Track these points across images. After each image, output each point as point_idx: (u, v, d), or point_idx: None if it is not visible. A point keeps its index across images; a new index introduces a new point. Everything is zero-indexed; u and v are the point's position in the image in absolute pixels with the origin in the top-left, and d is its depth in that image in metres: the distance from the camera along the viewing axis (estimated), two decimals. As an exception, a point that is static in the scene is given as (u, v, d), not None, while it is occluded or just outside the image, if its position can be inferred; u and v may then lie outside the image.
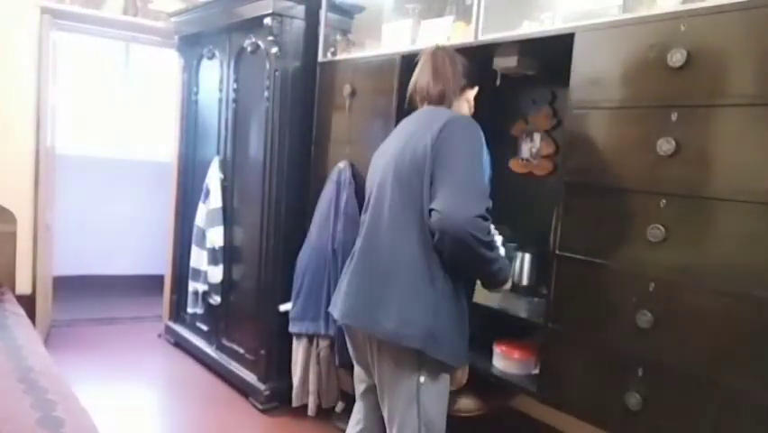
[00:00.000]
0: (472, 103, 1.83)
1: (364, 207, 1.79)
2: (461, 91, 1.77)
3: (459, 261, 1.56)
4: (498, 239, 1.66)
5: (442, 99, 1.73)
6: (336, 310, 1.74)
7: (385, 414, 1.70)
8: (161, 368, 3.49)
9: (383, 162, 1.73)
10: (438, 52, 1.76)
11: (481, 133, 1.62)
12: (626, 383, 1.57)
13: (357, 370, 1.86)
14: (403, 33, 2.40)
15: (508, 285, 1.74)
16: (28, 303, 3.22)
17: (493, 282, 1.68)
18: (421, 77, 1.76)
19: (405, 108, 2.27)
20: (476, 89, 1.83)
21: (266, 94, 2.85)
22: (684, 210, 1.47)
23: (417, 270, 1.57)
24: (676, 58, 1.47)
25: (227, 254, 3.27)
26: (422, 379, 1.60)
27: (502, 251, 1.68)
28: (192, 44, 3.60)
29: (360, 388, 1.87)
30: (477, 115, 2.59)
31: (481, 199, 1.51)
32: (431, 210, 1.52)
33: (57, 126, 3.83)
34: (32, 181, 3.44)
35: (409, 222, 1.59)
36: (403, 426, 1.62)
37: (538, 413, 2.41)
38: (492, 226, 1.57)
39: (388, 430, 1.70)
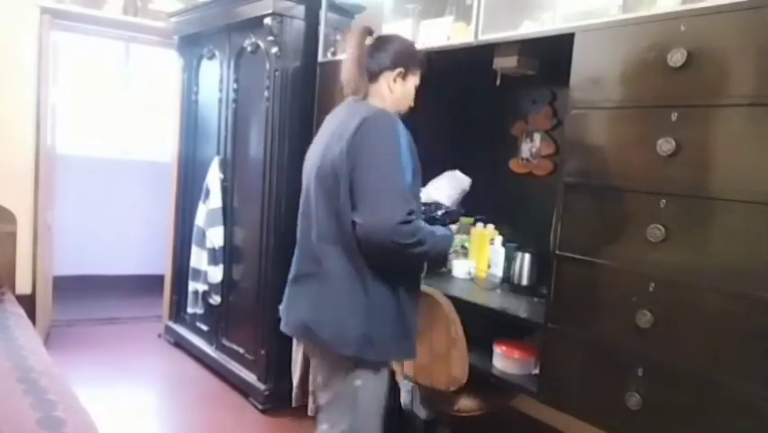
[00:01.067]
0: (404, 90, 1.70)
1: (300, 210, 1.75)
2: (376, 76, 1.66)
3: (390, 263, 1.56)
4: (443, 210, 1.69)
5: (355, 87, 1.67)
6: (282, 323, 1.74)
7: (322, 411, 1.72)
8: (161, 368, 3.49)
9: (309, 166, 1.69)
10: (349, 36, 1.70)
11: (399, 127, 1.56)
12: (626, 383, 1.57)
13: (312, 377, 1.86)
14: (403, 33, 2.40)
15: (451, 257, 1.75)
16: (28, 303, 3.22)
17: (431, 267, 1.68)
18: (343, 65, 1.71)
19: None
20: (399, 72, 1.67)
21: (266, 94, 2.85)
22: (684, 210, 1.47)
23: (348, 280, 1.56)
24: (676, 58, 1.47)
25: (227, 254, 3.27)
26: (357, 382, 1.60)
27: (441, 231, 1.65)
28: (192, 44, 3.60)
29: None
30: (477, 115, 2.60)
31: (401, 204, 1.48)
32: (353, 222, 1.51)
33: (57, 126, 3.83)
34: (32, 181, 3.44)
35: (335, 232, 1.57)
36: (337, 423, 1.64)
37: (538, 413, 2.41)
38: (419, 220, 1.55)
39: (320, 425, 1.72)
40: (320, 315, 1.59)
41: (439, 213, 1.74)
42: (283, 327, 1.73)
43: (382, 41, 1.68)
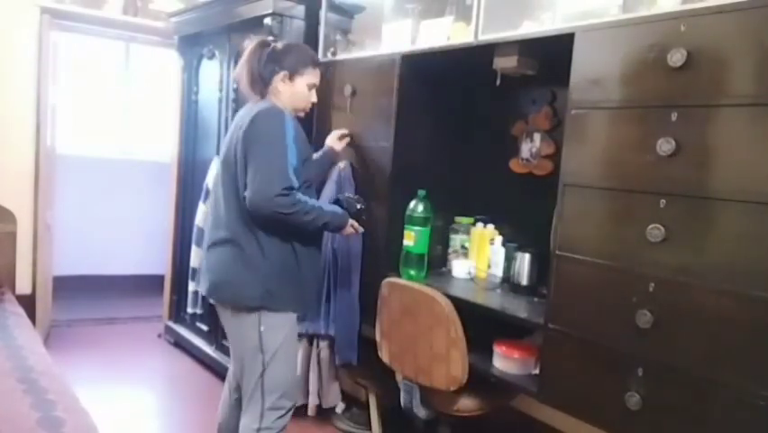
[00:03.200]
0: (292, 90, 1.98)
1: (211, 195, 2.08)
2: (269, 80, 1.95)
3: (281, 227, 1.85)
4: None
5: (251, 92, 1.97)
6: (203, 288, 2.02)
7: (234, 359, 2.01)
8: (161, 368, 3.49)
9: (221, 155, 1.99)
10: (245, 50, 1.97)
11: (286, 118, 1.85)
12: (626, 383, 1.57)
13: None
14: (403, 33, 2.40)
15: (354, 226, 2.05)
16: (28, 303, 3.22)
17: (327, 229, 2.01)
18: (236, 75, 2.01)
19: (402, 107, 2.27)
20: (284, 74, 1.96)
21: (266, 94, 2.85)
22: (684, 210, 1.47)
23: (248, 245, 1.86)
24: (676, 58, 1.47)
25: (227, 254, 3.27)
26: (262, 328, 1.89)
27: (330, 207, 1.98)
28: (192, 44, 3.60)
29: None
30: (477, 115, 2.60)
31: (279, 180, 1.77)
32: (244, 196, 1.82)
33: (57, 126, 3.83)
34: (32, 181, 3.44)
35: (234, 206, 1.88)
36: (250, 367, 1.91)
37: (538, 413, 2.41)
38: (299, 196, 1.82)
39: (241, 383, 1.99)
40: (226, 275, 1.90)
41: (340, 196, 2.15)
42: (200, 289, 2.05)
43: (275, 51, 1.97)
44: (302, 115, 2.06)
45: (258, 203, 1.77)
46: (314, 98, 2.06)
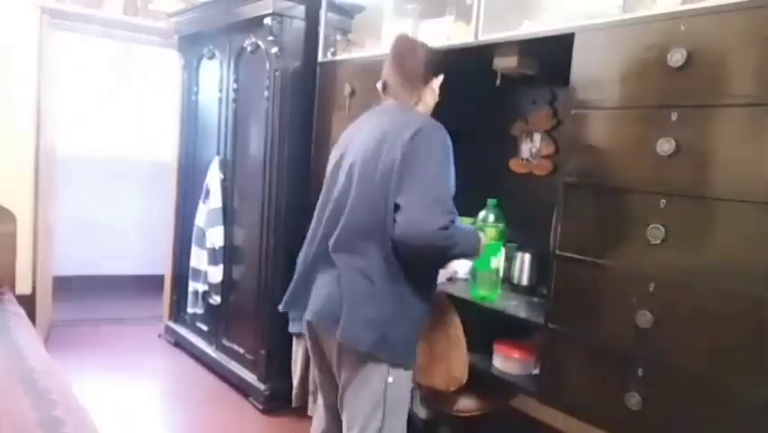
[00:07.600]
0: (437, 92, 1.81)
1: (323, 197, 1.76)
2: (424, 81, 1.76)
3: (419, 264, 1.60)
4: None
5: (404, 90, 1.74)
6: (308, 312, 1.68)
7: (345, 417, 1.68)
8: (161, 368, 3.49)
9: (350, 158, 1.69)
10: (398, 43, 1.78)
11: (448, 138, 1.63)
12: (626, 383, 1.57)
13: (322, 379, 1.83)
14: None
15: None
16: (28, 303, 3.21)
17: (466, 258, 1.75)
18: (386, 68, 1.78)
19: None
20: (441, 78, 1.80)
21: (266, 94, 2.85)
22: (684, 210, 1.47)
23: (378, 275, 1.57)
24: (676, 58, 1.47)
25: (227, 254, 3.27)
26: (390, 379, 1.60)
27: (466, 229, 1.68)
28: (192, 44, 3.60)
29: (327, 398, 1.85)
30: (477, 115, 2.60)
31: (445, 211, 1.51)
32: (394, 220, 1.53)
33: (57, 126, 3.83)
34: (32, 181, 3.44)
35: (371, 227, 1.58)
36: (366, 428, 1.61)
37: (538, 413, 2.41)
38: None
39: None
40: (349, 309, 1.56)
41: None
42: (315, 319, 1.67)
43: (425, 49, 1.77)
44: None
45: (416, 234, 1.49)
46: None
